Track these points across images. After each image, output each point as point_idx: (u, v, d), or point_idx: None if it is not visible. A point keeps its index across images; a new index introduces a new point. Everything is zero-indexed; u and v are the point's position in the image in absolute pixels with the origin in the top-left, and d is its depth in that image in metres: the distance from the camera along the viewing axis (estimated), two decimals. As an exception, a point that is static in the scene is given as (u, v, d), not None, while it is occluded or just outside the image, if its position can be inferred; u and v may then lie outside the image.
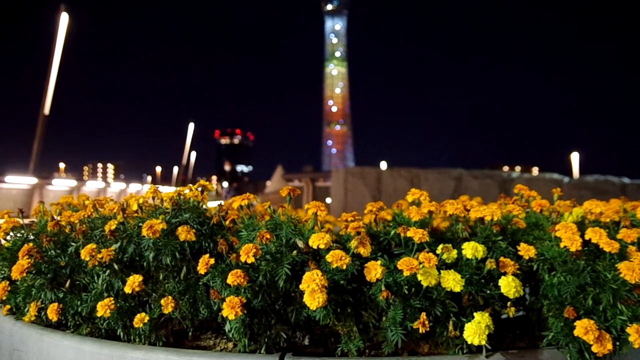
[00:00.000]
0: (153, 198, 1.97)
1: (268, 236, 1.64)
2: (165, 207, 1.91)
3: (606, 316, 1.57)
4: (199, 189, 1.96)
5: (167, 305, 1.70)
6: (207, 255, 1.66)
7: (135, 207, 1.93)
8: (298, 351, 1.63)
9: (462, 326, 1.53)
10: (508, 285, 1.59)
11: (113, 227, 1.82)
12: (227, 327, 1.63)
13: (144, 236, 1.70)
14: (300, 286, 1.48)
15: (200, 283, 1.73)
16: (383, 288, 1.55)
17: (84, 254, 1.76)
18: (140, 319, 1.69)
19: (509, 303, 1.64)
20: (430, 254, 1.56)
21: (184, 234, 1.72)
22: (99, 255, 1.75)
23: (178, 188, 1.93)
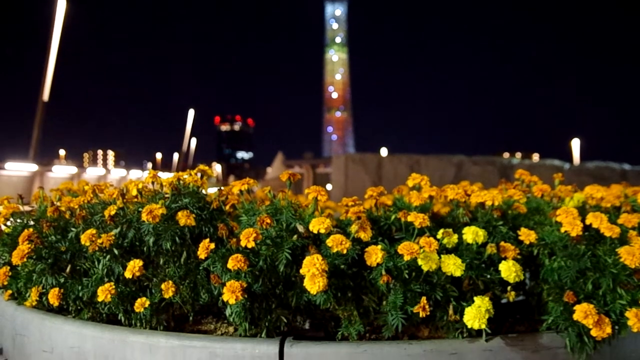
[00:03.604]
0: (152, 183, 1.96)
1: (268, 221, 1.64)
2: (164, 192, 1.91)
3: (606, 300, 1.57)
4: (199, 174, 1.95)
5: (168, 289, 1.71)
6: (208, 240, 1.66)
7: (134, 193, 1.92)
8: (299, 335, 1.63)
9: (462, 310, 1.53)
10: (508, 270, 1.60)
11: (113, 213, 1.82)
12: (227, 312, 1.63)
13: (143, 221, 1.70)
14: (301, 270, 1.49)
15: (200, 268, 1.74)
16: (383, 272, 1.55)
17: (84, 239, 1.76)
18: (141, 304, 1.69)
19: (509, 287, 1.65)
20: (431, 239, 1.56)
21: (184, 218, 1.71)
22: (99, 241, 1.75)
23: (178, 173, 1.93)
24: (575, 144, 34.73)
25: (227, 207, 1.93)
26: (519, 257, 1.70)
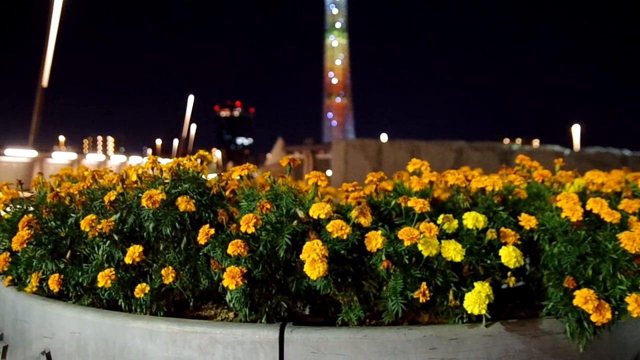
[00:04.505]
0: (152, 169, 1.96)
1: (268, 206, 1.64)
2: (164, 178, 1.90)
3: (606, 286, 1.57)
4: (198, 159, 1.95)
5: (168, 275, 1.70)
6: (207, 225, 1.65)
7: (134, 178, 1.92)
8: (299, 321, 1.63)
9: (462, 296, 1.53)
10: (508, 255, 1.60)
11: (112, 198, 1.81)
12: (227, 297, 1.63)
13: (143, 207, 1.70)
14: (301, 256, 1.48)
15: (200, 253, 1.73)
16: (384, 258, 1.55)
17: (84, 224, 1.76)
18: (141, 289, 1.69)
19: (509, 273, 1.65)
20: (431, 224, 1.56)
21: (184, 204, 1.71)
22: (99, 226, 1.75)
23: (177, 159, 1.92)
24: (576, 130, 34.70)
25: (227, 193, 1.92)
26: (519, 242, 1.69)
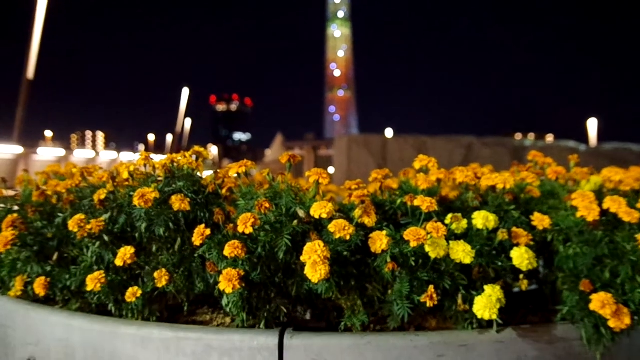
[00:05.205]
0: (145, 166, 1.96)
1: (267, 205, 1.63)
2: (157, 175, 1.90)
3: (624, 289, 1.57)
4: (193, 156, 1.95)
5: (161, 278, 1.70)
6: (203, 225, 1.65)
7: (125, 176, 1.92)
8: (299, 326, 1.64)
9: (471, 300, 1.53)
10: (521, 257, 1.59)
11: (103, 197, 1.81)
12: (224, 301, 1.63)
13: (135, 206, 1.69)
14: (302, 258, 1.48)
15: (195, 255, 1.73)
16: (389, 260, 1.55)
17: (72, 225, 1.76)
18: (132, 293, 1.69)
19: (521, 276, 1.65)
20: (439, 224, 1.56)
21: (178, 203, 1.71)
22: (88, 226, 1.74)
23: (171, 155, 1.92)
24: (592, 125, 34.56)
25: (224, 191, 1.92)
26: (532, 243, 1.69)
